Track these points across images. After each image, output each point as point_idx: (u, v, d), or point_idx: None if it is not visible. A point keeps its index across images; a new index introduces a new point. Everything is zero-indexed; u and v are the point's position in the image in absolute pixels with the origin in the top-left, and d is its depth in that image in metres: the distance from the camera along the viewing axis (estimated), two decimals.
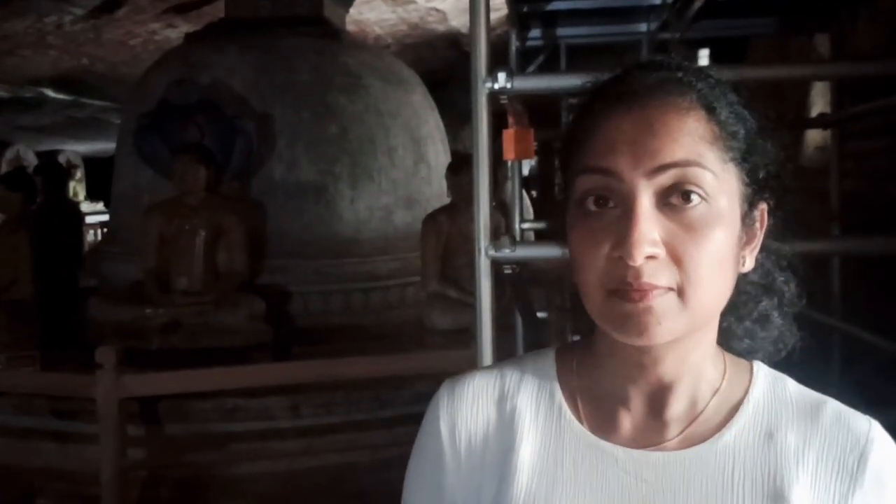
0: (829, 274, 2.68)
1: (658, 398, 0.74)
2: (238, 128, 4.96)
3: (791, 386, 0.77)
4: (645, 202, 0.66)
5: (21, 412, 3.88)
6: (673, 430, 0.74)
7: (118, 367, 3.30)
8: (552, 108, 3.76)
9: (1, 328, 4.40)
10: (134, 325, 4.38)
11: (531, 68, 3.44)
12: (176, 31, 7.67)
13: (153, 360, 4.01)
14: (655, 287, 0.66)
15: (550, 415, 0.77)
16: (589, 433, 0.75)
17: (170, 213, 4.63)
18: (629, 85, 0.71)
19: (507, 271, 1.64)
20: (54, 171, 6.72)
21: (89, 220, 9.42)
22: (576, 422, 0.76)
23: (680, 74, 0.71)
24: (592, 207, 0.69)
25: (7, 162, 11.46)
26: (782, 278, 0.78)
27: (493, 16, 1.74)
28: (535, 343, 2.87)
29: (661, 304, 0.66)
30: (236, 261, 4.68)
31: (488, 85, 1.54)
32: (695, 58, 4.12)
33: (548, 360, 0.81)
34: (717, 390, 0.75)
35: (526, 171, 5.59)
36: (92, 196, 13.06)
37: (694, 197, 0.67)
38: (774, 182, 0.73)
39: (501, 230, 3.05)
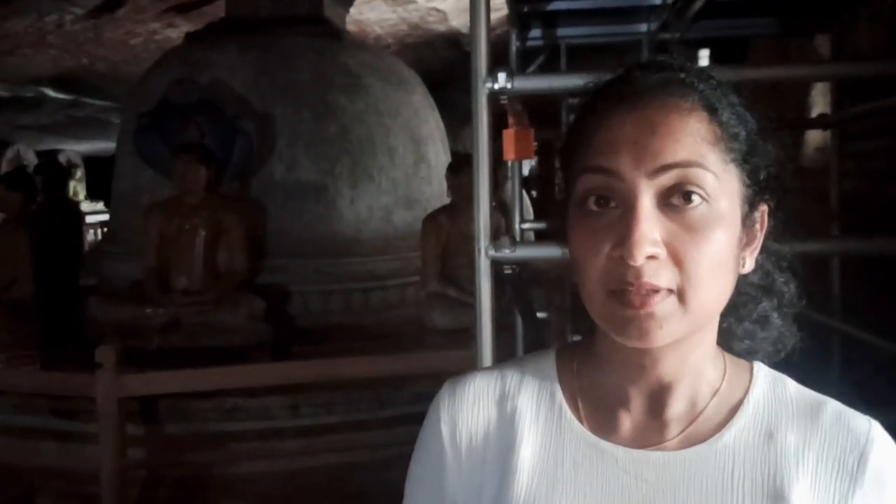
0: (829, 274, 2.68)
1: (658, 398, 0.74)
2: (238, 127, 4.96)
3: (791, 386, 0.77)
4: (646, 202, 0.67)
5: (21, 411, 3.88)
6: (673, 430, 0.74)
7: (118, 367, 3.30)
8: (552, 108, 3.76)
9: (1, 327, 4.40)
10: (134, 324, 4.38)
11: (531, 68, 3.44)
12: (176, 31, 7.67)
13: (153, 359, 4.01)
14: (656, 287, 0.66)
15: (551, 415, 0.77)
16: (589, 433, 0.75)
17: (170, 212, 4.63)
18: (631, 85, 0.71)
19: (507, 271, 1.65)
20: (54, 171, 6.73)
21: (89, 219, 9.43)
22: (576, 422, 0.76)
23: (682, 75, 0.71)
24: (593, 207, 0.69)
25: (7, 161, 11.46)
26: (782, 279, 0.78)
27: (494, 16, 1.74)
28: (535, 343, 2.87)
29: (663, 309, 0.66)
30: (236, 260, 4.68)
31: (488, 85, 1.54)
32: (695, 58, 4.12)
33: (548, 360, 0.81)
34: (717, 390, 0.75)
35: (526, 171, 5.59)
36: (92, 195, 13.06)
37: (695, 198, 0.67)
38: (775, 183, 0.74)
39: (501, 230, 3.05)
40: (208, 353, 4.09)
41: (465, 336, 3.25)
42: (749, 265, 0.74)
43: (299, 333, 4.68)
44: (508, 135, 1.70)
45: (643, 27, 3.16)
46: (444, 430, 0.79)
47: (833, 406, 0.74)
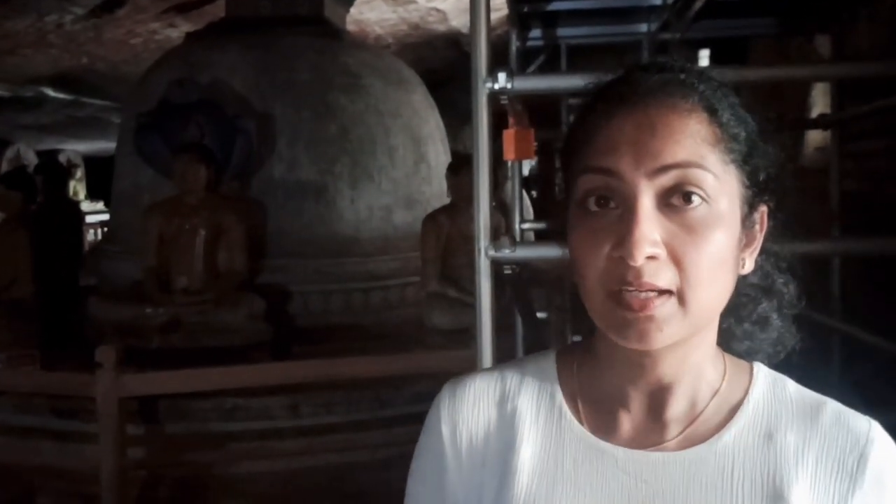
0: (829, 274, 2.68)
1: (658, 399, 0.74)
2: (238, 127, 4.96)
3: (791, 387, 0.77)
4: (646, 202, 0.67)
5: (21, 411, 3.88)
6: (672, 430, 0.74)
7: (118, 367, 3.30)
8: (552, 109, 3.76)
9: (1, 327, 4.40)
10: (134, 324, 4.38)
11: (531, 68, 3.44)
12: (177, 31, 7.68)
13: (153, 359, 4.01)
14: (655, 287, 0.66)
15: (551, 416, 0.77)
16: (589, 434, 0.75)
17: (170, 212, 4.63)
18: (631, 86, 0.71)
19: (507, 271, 1.65)
20: (54, 171, 6.73)
21: (89, 219, 9.43)
22: (576, 423, 0.76)
23: (682, 76, 0.71)
24: (594, 208, 0.69)
25: (7, 161, 11.46)
26: (782, 280, 0.78)
27: (494, 16, 1.74)
28: (535, 343, 2.87)
29: (662, 312, 0.66)
30: (236, 260, 4.68)
31: (489, 85, 1.54)
32: (695, 58, 4.12)
33: (549, 361, 0.81)
34: (716, 391, 0.75)
35: (526, 171, 5.59)
36: (92, 195, 13.06)
37: (695, 198, 0.67)
38: (774, 185, 0.74)
39: (501, 230, 3.05)
40: (208, 352, 4.09)
41: (465, 336, 3.25)
42: (749, 266, 0.74)
43: (299, 333, 4.68)
44: (508, 135, 1.70)
45: (643, 27, 3.16)
46: (445, 430, 0.79)
47: (833, 406, 0.74)
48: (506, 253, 1.56)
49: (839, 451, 0.71)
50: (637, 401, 0.75)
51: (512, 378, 0.80)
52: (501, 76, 1.54)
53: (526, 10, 2.93)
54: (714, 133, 0.69)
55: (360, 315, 4.95)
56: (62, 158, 12.39)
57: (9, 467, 3.69)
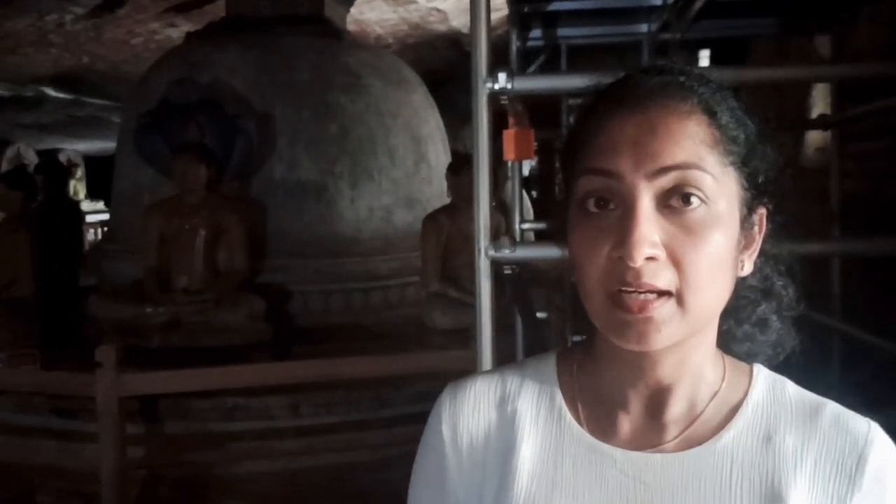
0: (829, 275, 2.68)
1: (657, 400, 0.74)
2: (239, 127, 4.96)
3: (790, 388, 0.77)
4: (645, 203, 0.67)
5: (21, 410, 3.88)
6: (672, 431, 0.74)
7: (118, 366, 3.30)
8: (552, 109, 3.76)
9: (1, 326, 4.40)
10: (134, 323, 4.38)
11: (532, 69, 3.44)
12: (177, 31, 7.68)
13: (153, 358, 4.01)
14: (655, 288, 0.66)
15: (551, 417, 0.77)
16: (588, 435, 0.75)
17: (170, 211, 4.63)
18: (631, 88, 0.71)
19: (507, 271, 1.65)
20: (55, 170, 6.73)
21: (90, 218, 9.43)
22: (575, 424, 0.76)
23: (682, 79, 0.72)
24: (593, 209, 0.69)
25: (8, 160, 11.47)
26: (781, 283, 0.78)
27: (494, 16, 1.74)
28: (535, 343, 2.87)
29: (661, 313, 0.67)
30: (236, 260, 4.68)
31: (489, 85, 1.54)
32: (695, 58, 4.13)
33: (549, 363, 0.82)
34: (716, 392, 0.75)
35: (526, 171, 5.59)
36: (92, 195, 13.06)
37: (694, 199, 0.67)
38: (773, 187, 0.74)
39: (501, 230, 3.05)
40: (208, 352, 4.09)
41: (465, 336, 3.25)
42: (747, 268, 0.74)
43: (299, 333, 4.68)
44: (508, 135, 1.70)
45: (643, 27, 3.16)
46: (446, 432, 0.79)
47: (832, 408, 0.74)
48: (506, 253, 1.56)
49: (838, 452, 0.71)
50: (636, 402, 0.75)
51: (512, 380, 0.81)
52: (501, 76, 1.54)
53: (526, 10, 2.93)
54: (713, 135, 0.69)
55: (360, 315, 4.95)
56: (62, 158, 12.38)
57: (9, 466, 3.69)
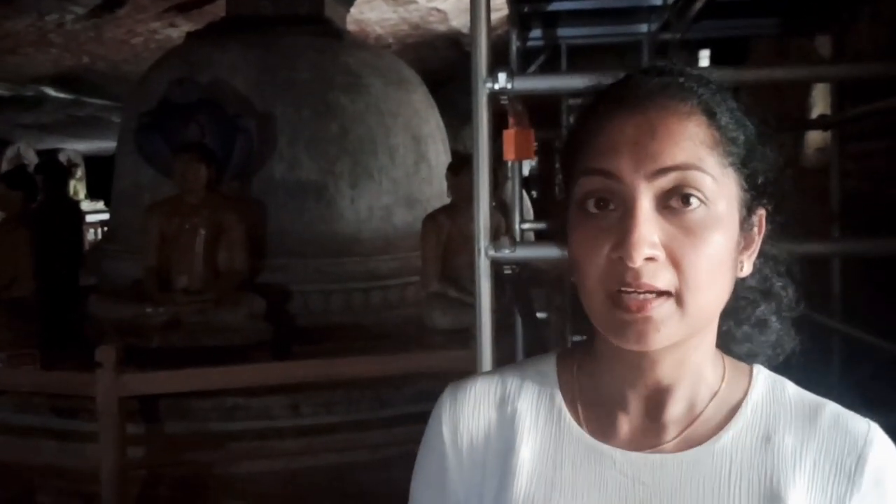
0: (829, 275, 2.68)
1: (656, 401, 0.74)
2: (239, 127, 4.96)
3: (790, 389, 0.77)
4: (645, 204, 0.67)
5: (21, 410, 3.88)
6: (671, 432, 0.74)
7: (118, 366, 3.31)
8: (552, 109, 3.76)
9: (1, 326, 4.40)
10: (134, 323, 4.38)
11: (532, 69, 3.44)
12: (177, 30, 7.68)
13: (153, 358, 4.01)
14: (654, 288, 0.66)
15: (550, 418, 0.78)
16: (587, 436, 0.75)
17: (170, 211, 4.63)
18: (631, 89, 0.71)
19: (507, 271, 1.65)
20: (55, 170, 6.73)
21: (90, 218, 9.43)
22: (575, 425, 0.76)
23: (682, 80, 0.72)
24: (593, 209, 0.70)
25: (8, 160, 11.47)
26: (780, 284, 0.78)
27: (494, 16, 1.74)
28: (535, 343, 2.87)
29: (660, 313, 0.67)
30: (236, 259, 4.68)
31: (489, 85, 1.54)
32: (695, 58, 4.12)
33: (549, 364, 0.82)
34: (715, 393, 0.75)
35: (526, 171, 5.59)
36: (92, 194, 13.06)
37: (693, 200, 0.67)
38: (773, 188, 0.74)
39: (501, 230, 3.05)
40: (208, 352, 4.09)
41: (465, 336, 3.25)
42: (747, 269, 0.74)
43: (299, 333, 4.68)
44: (508, 135, 1.70)
45: (644, 28, 3.16)
46: (446, 432, 0.80)
47: (831, 408, 0.74)
48: (506, 253, 1.56)
49: (837, 453, 0.71)
50: (636, 402, 0.75)
51: (512, 381, 0.81)
52: (502, 76, 1.54)
53: (526, 10, 2.93)
54: (712, 136, 0.69)
55: (360, 315, 4.95)
56: (62, 158, 12.39)
57: (9, 466, 3.69)
